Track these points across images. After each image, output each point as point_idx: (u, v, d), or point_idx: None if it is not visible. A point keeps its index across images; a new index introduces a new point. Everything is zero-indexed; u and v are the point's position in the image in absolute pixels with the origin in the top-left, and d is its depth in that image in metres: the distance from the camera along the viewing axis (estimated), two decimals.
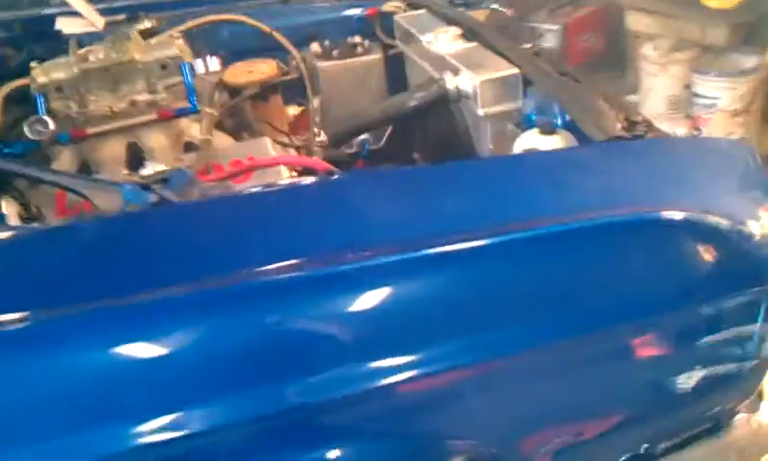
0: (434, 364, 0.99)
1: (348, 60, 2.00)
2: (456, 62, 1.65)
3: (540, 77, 1.57)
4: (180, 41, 1.72)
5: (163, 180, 1.40)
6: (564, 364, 1.09)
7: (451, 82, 1.63)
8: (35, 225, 1.39)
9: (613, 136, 1.31)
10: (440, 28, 1.81)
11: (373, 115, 1.78)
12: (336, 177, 1.40)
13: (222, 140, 1.67)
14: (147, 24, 1.92)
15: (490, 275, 1.05)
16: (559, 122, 1.45)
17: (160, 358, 0.91)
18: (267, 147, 1.60)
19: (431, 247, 1.02)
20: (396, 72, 2.04)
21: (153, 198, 1.28)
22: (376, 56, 2.03)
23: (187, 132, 1.63)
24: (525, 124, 1.52)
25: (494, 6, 2.66)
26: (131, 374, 0.90)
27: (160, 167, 1.49)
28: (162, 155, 1.57)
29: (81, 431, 0.86)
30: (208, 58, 1.91)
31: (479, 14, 2.27)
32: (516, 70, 1.56)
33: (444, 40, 1.75)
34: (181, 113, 1.62)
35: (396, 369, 0.97)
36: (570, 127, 1.43)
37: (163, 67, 1.61)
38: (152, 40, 1.71)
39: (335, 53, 2.00)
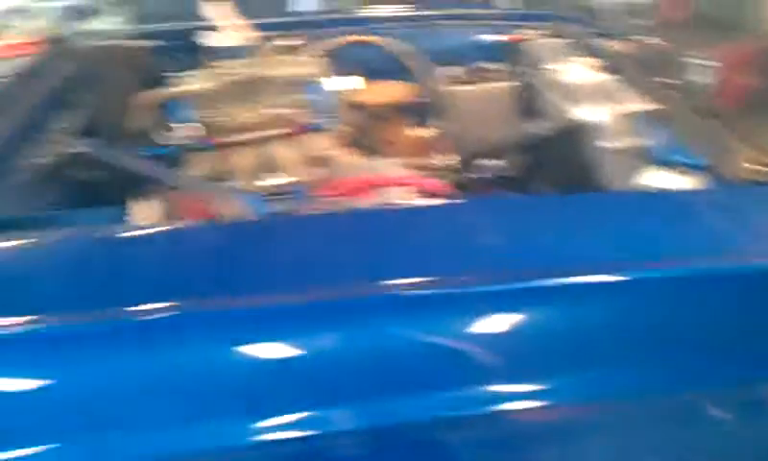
0: (550, 396, 0.96)
1: (480, 86, 2.00)
2: (587, 94, 1.61)
3: (677, 114, 1.50)
4: (318, 60, 1.78)
5: (287, 192, 1.46)
6: (675, 417, 1.03)
7: (580, 114, 1.59)
8: (170, 226, 1.47)
9: (747, 180, 1.24)
10: (575, 58, 1.78)
11: (501, 142, 1.77)
12: (459, 201, 1.39)
13: (348, 158, 1.72)
14: (290, 42, 2.01)
15: (606, 313, 1.01)
16: (690, 161, 1.39)
17: (283, 360, 0.94)
18: (391, 167, 1.62)
19: (554, 277, 1.00)
20: (527, 100, 2.02)
21: (275, 208, 1.34)
22: (508, 83, 2.01)
23: (316, 147, 1.68)
24: (655, 161, 1.46)
25: (644, 38, 2.58)
26: (254, 371, 0.93)
27: (286, 180, 1.55)
28: (290, 168, 1.63)
29: (206, 421, 0.90)
30: (346, 77, 1.97)
31: (625, 46, 2.20)
32: (648, 106, 1.51)
33: (578, 71, 1.71)
34: (311, 129, 1.67)
35: (509, 397, 0.96)
36: (703, 167, 1.37)
37: (297, 84, 1.67)
38: (290, 57, 1.78)
39: (467, 78, 2.00)
